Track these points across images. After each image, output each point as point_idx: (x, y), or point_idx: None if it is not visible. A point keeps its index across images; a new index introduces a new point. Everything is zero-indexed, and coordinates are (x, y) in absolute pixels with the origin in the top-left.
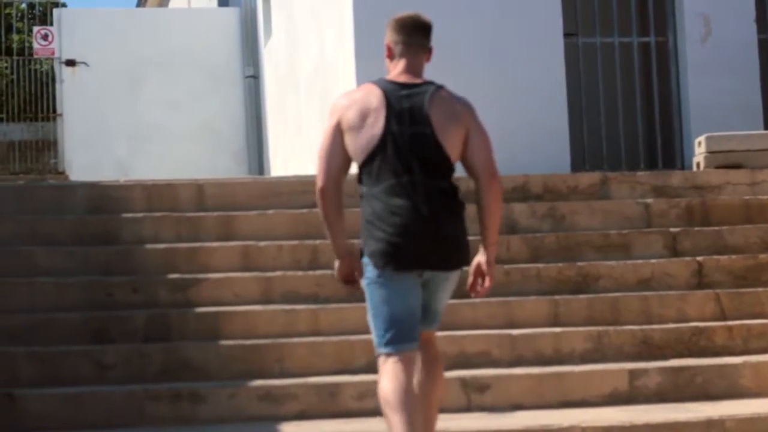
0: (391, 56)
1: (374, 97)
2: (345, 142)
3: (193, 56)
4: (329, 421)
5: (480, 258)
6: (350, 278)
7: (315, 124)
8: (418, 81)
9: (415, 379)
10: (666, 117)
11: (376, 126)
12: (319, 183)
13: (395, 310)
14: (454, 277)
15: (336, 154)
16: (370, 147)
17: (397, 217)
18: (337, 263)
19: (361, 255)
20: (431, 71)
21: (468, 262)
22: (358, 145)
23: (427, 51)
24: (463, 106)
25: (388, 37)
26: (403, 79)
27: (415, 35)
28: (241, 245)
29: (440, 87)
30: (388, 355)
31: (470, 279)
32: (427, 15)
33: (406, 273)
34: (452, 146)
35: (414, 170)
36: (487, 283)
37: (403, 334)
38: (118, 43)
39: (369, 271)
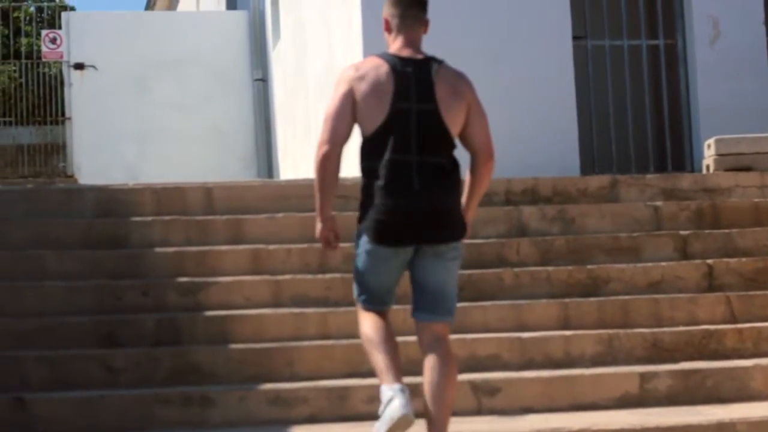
0: (389, 29)
1: (383, 72)
2: (355, 112)
3: (202, 59)
4: (339, 425)
5: None
6: (329, 240)
7: None
8: (420, 56)
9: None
10: (675, 120)
11: (384, 101)
12: (325, 147)
13: (371, 285)
14: (449, 253)
15: (344, 120)
16: (378, 121)
17: (391, 194)
18: (319, 225)
19: (359, 221)
20: None
21: (460, 238)
22: (367, 117)
23: (424, 24)
24: (465, 83)
25: (386, 11)
26: (406, 53)
27: (411, 8)
28: (250, 248)
29: (441, 62)
30: (363, 307)
31: None
32: (437, 16)
33: (391, 251)
34: (455, 123)
35: (416, 147)
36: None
37: (375, 301)
38: (127, 47)
39: (359, 234)
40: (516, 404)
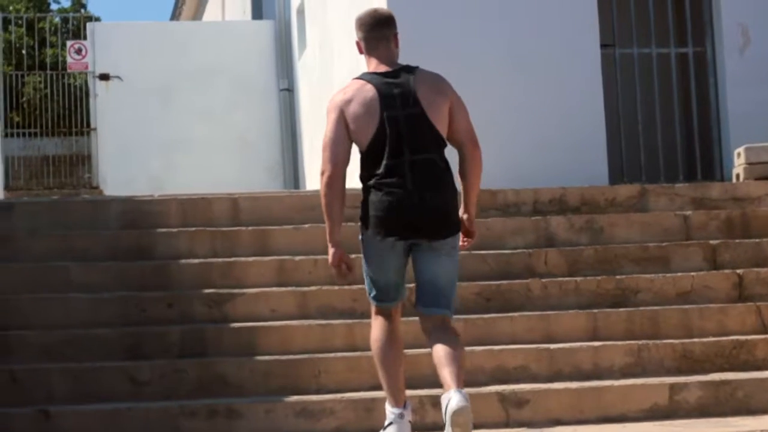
0: (362, 52)
1: (367, 89)
2: (349, 133)
3: (227, 69)
4: None
5: (462, 216)
6: (340, 266)
7: None
8: (396, 68)
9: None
10: (705, 128)
11: (374, 115)
12: (328, 171)
13: (379, 280)
14: (444, 246)
15: (341, 144)
16: (372, 134)
17: (389, 195)
18: (331, 250)
19: (360, 220)
20: (469, 84)
21: (453, 234)
22: (362, 134)
23: (393, 39)
24: (443, 83)
25: (356, 35)
26: (383, 69)
27: (377, 29)
28: (276, 260)
29: (417, 69)
30: (375, 305)
31: None
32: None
33: (391, 244)
34: (441, 121)
35: (407, 149)
36: (470, 237)
37: (383, 295)
38: (152, 57)
39: (362, 231)
40: (544, 416)
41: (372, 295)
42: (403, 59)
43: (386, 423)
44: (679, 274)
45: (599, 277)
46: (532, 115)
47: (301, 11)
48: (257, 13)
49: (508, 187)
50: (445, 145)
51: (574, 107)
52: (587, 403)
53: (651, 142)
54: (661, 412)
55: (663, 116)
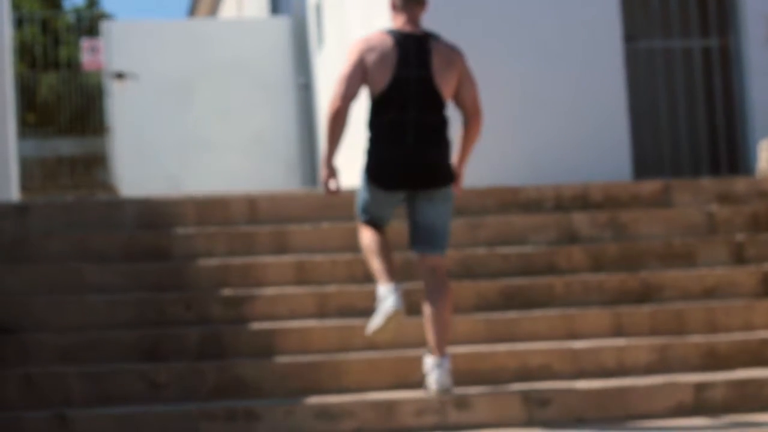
0: (394, 8)
1: (389, 44)
2: (364, 77)
3: (244, 67)
4: None
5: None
6: (332, 188)
7: None
8: (420, 32)
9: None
10: (729, 121)
11: (389, 68)
12: (337, 103)
13: (372, 211)
14: (439, 195)
15: (355, 83)
16: (384, 85)
17: (389, 146)
18: (325, 171)
19: (364, 165)
20: (490, 79)
21: (447, 184)
22: (375, 82)
23: (424, 4)
24: (457, 55)
25: None
26: (408, 29)
27: None
28: (295, 259)
29: (438, 37)
30: (364, 222)
31: None
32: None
33: (389, 193)
34: (446, 88)
35: (413, 107)
36: (456, 189)
37: (374, 220)
38: (168, 55)
39: (363, 177)
40: (568, 415)
41: (363, 217)
42: None
43: (381, 298)
44: (704, 270)
45: (623, 274)
46: (554, 109)
47: (319, 7)
48: (274, 9)
49: (529, 183)
50: (445, 107)
51: (596, 101)
52: (611, 402)
53: (674, 135)
54: (687, 411)
55: (686, 109)
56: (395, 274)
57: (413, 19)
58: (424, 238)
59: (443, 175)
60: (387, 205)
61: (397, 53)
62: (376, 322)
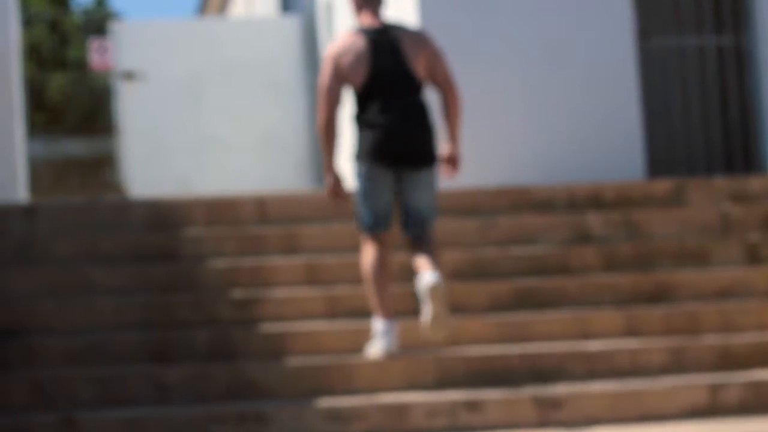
0: (358, 8)
1: (360, 42)
2: (343, 81)
3: (254, 66)
4: None
5: (447, 149)
6: (339, 193)
7: None
8: (383, 25)
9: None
10: (743, 120)
11: (365, 64)
12: (324, 114)
13: (374, 204)
14: (425, 176)
15: (335, 91)
16: (363, 80)
17: (379, 129)
18: (330, 178)
19: (355, 154)
20: (502, 80)
21: (432, 164)
22: (354, 78)
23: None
24: (424, 38)
25: None
26: (375, 24)
27: None
28: (305, 260)
29: (402, 26)
30: (369, 235)
31: (443, 167)
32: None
33: (384, 170)
34: (421, 69)
35: (394, 94)
36: (454, 166)
37: (380, 221)
38: (177, 55)
39: (357, 167)
40: (581, 417)
41: (367, 225)
42: None
43: (378, 335)
44: (718, 270)
45: (636, 274)
46: (566, 109)
47: (330, 5)
48: (285, 6)
49: (541, 183)
50: (423, 88)
51: (608, 100)
52: (625, 404)
53: (688, 134)
54: (702, 412)
55: (700, 108)
56: (392, 307)
57: (376, 15)
58: (414, 220)
59: (429, 156)
60: (384, 187)
61: (369, 49)
62: (373, 352)
